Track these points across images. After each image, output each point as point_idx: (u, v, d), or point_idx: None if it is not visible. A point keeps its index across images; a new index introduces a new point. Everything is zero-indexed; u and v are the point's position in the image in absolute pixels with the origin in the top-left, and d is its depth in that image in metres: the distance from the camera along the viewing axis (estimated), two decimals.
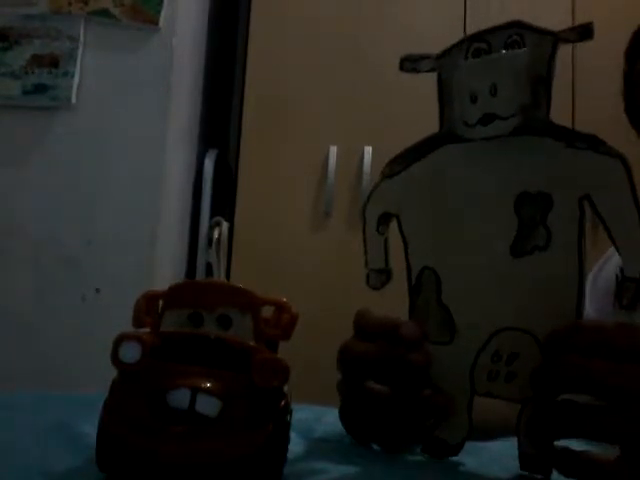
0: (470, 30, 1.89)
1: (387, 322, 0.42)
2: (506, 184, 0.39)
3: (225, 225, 1.94)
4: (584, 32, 0.37)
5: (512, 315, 0.39)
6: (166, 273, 1.74)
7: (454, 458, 0.41)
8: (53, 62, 1.70)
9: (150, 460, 0.30)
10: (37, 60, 1.70)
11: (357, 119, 1.98)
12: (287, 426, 0.34)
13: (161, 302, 0.34)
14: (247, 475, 0.30)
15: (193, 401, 0.30)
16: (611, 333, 0.36)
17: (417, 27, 1.98)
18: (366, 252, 0.44)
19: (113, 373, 0.32)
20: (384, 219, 0.44)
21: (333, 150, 1.95)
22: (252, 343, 0.33)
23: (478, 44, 0.40)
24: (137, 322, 0.34)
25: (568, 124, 0.39)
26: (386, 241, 0.44)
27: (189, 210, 1.94)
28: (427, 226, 0.42)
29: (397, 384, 0.42)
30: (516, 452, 0.39)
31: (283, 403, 0.33)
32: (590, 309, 0.70)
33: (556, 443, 0.37)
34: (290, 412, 0.34)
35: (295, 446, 0.38)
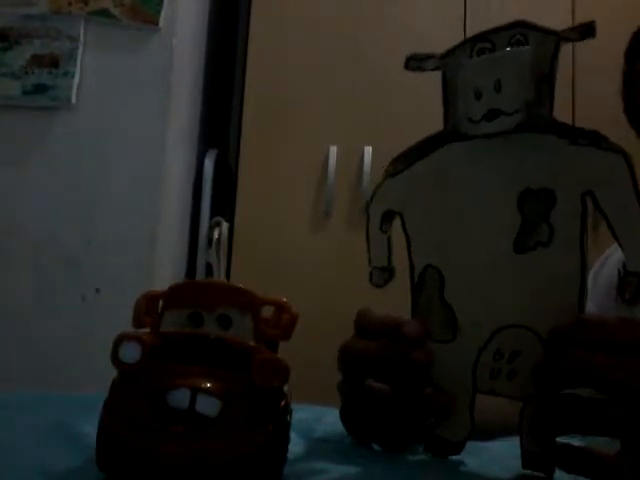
0: (470, 30, 1.90)
1: (389, 320, 0.42)
2: (509, 181, 0.39)
3: (225, 225, 1.94)
4: (586, 31, 0.37)
5: (514, 312, 0.39)
6: (166, 273, 1.74)
7: (455, 458, 0.41)
8: (53, 62, 1.70)
9: (150, 460, 0.30)
10: (37, 60, 1.70)
11: (357, 119, 1.98)
12: (287, 426, 0.34)
13: (161, 302, 0.34)
14: (247, 475, 0.30)
15: (193, 401, 0.30)
16: (613, 328, 0.36)
17: (417, 27, 1.98)
18: (369, 250, 0.44)
19: (113, 373, 0.32)
20: (387, 217, 0.44)
21: (333, 150, 1.95)
22: (252, 343, 0.33)
23: (482, 44, 0.40)
24: (137, 322, 0.34)
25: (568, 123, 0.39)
26: (389, 239, 0.44)
27: (189, 210, 1.94)
28: (430, 224, 0.42)
29: (399, 383, 0.42)
30: (517, 452, 0.39)
31: (283, 403, 0.33)
32: (591, 306, 0.70)
33: (557, 440, 0.37)
34: (290, 412, 0.34)
35: (295, 446, 0.38)
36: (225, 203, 2.00)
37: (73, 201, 1.67)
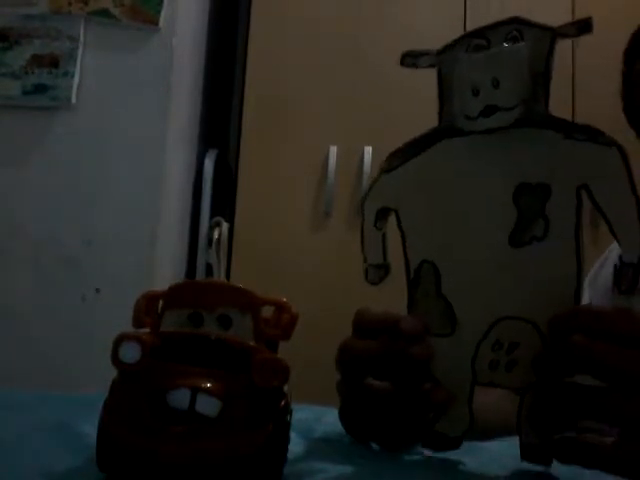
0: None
1: (387, 317, 0.42)
2: (505, 175, 0.39)
3: (225, 225, 1.94)
4: (583, 27, 0.37)
5: (512, 304, 0.39)
6: (166, 273, 1.74)
7: (454, 458, 0.41)
8: (53, 62, 1.70)
9: (150, 460, 0.30)
10: (37, 60, 1.70)
11: (357, 119, 1.98)
12: (287, 426, 0.34)
13: (161, 302, 0.34)
14: (247, 475, 0.30)
15: (193, 401, 0.30)
16: (611, 317, 0.36)
17: (417, 27, 1.98)
18: (364, 247, 0.44)
19: (113, 373, 0.32)
20: (382, 214, 0.44)
21: (333, 150, 1.95)
22: (252, 343, 0.33)
23: (478, 40, 0.40)
24: (137, 322, 0.34)
25: None
26: (384, 236, 0.44)
27: (189, 210, 1.94)
28: (426, 220, 0.42)
29: (398, 379, 0.42)
30: (515, 452, 0.39)
31: (283, 403, 0.33)
32: None
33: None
34: (290, 412, 0.34)
35: (295, 446, 0.38)
36: (225, 203, 2.00)
37: (73, 201, 1.67)
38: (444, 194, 0.42)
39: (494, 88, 0.38)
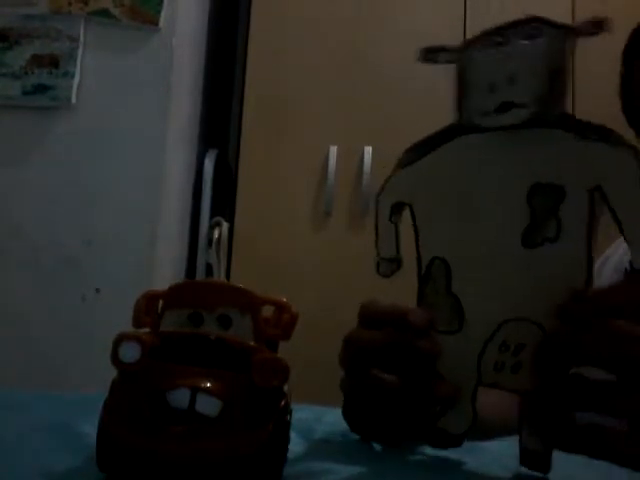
0: (470, 30, 1.90)
1: (394, 310, 0.42)
2: (519, 175, 0.39)
3: (225, 225, 1.94)
4: (600, 26, 0.37)
5: (521, 305, 0.39)
6: (166, 273, 1.74)
7: (455, 458, 0.41)
8: (53, 62, 1.70)
9: (150, 460, 0.30)
10: (37, 60, 1.70)
11: (357, 119, 1.98)
12: (287, 426, 0.34)
13: (161, 302, 0.34)
14: (247, 475, 0.30)
15: (193, 401, 0.30)
16: (612, 292, 0.37)
17: (417, 27, 1.98)
18: (377, 241, 0.44)
19: (113, 373, 0.32)
20: (397, 209, 0.44)
21: (333, 150, 1.95)
22: (252, 343, 0.33)
23: (497, 38, 0.40)
24: (137, 322, 0.34)
25: None
26: (397, 230, 0.44)
27: (189, 210, 1.94)
28: (440, 216, 0.42)
29: (405, 372, 0.41)
30: (516, 452, 0.39)
31: (283, 403, 0.33)
32: None
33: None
34: (290, 412, 0.34)
35: (295, 446, 0.38)
36: (225, 203, 2.00)
37: (73, 201, 1.67)
38: (458, 191, 0.42)
39: (510, 84, 0.39)
